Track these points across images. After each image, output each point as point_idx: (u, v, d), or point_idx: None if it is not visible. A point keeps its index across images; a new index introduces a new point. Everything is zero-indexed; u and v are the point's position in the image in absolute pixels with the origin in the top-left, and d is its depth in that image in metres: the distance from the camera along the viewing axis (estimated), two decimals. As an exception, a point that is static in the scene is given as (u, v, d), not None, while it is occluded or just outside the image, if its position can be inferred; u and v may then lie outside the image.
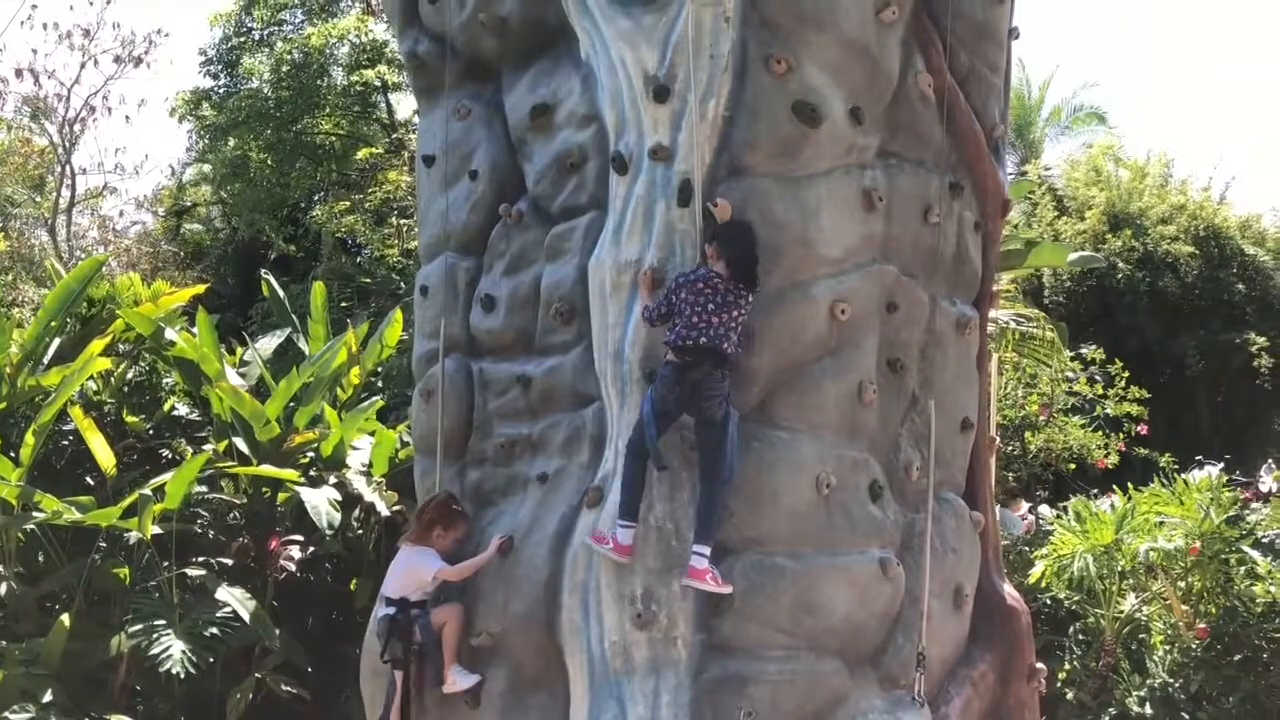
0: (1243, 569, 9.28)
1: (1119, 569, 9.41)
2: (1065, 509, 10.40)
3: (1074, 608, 9.85)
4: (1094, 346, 13.79)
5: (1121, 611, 9.54)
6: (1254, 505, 10.15)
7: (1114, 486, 10.54)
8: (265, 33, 19.11)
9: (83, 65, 20.15)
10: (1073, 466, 12.75)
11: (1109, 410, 12.79)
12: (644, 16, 5.32)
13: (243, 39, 19.40)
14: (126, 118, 20.33)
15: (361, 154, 17.90)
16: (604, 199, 5.54)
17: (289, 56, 18.26)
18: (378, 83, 18.25)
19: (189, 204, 23.47)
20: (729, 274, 5.00)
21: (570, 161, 5.70)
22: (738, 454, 4.98)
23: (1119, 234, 19.70)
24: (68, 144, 20.86)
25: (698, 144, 5.20)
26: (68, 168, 21.20)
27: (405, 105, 18.73)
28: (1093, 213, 20.29)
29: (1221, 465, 10.24)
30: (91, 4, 19.75)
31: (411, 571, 5.55)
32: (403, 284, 15.43)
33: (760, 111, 5.28)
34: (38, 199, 22.10)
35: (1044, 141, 25.82)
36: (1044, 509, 11.56)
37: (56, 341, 10.04)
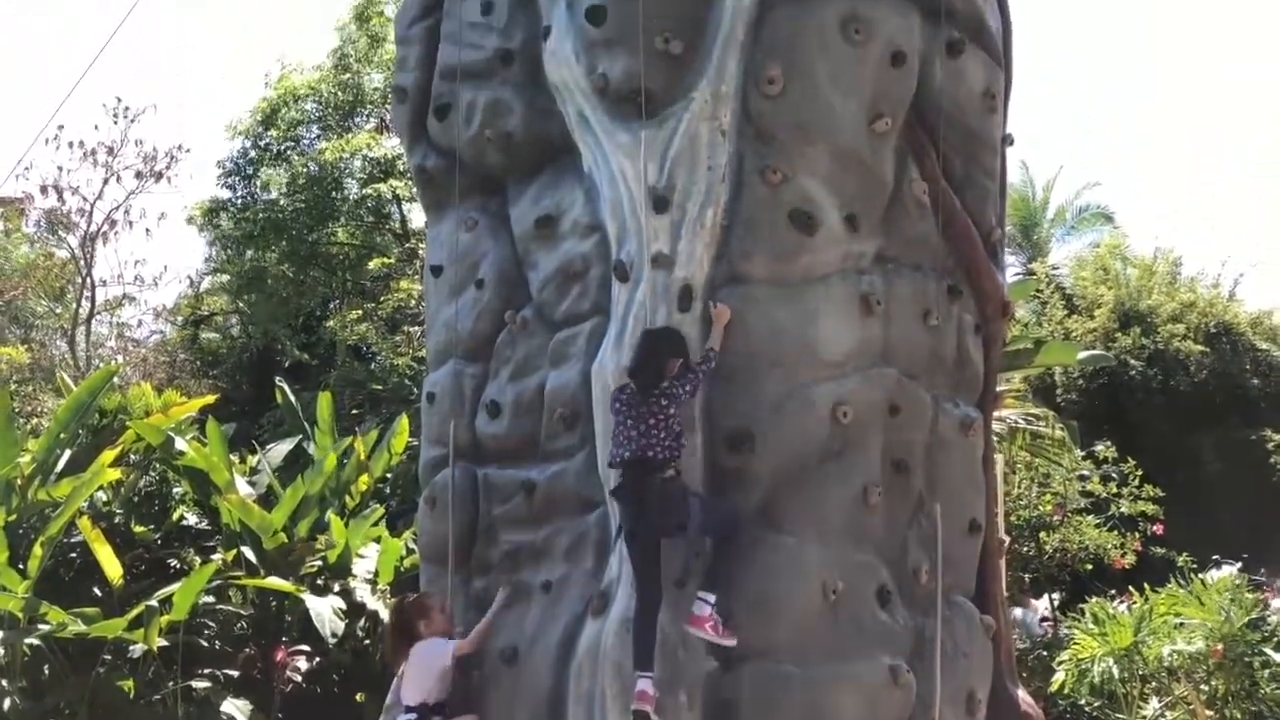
0: (1267, 672, 9.08)
1: (1140, 673, 9.22)
2: (1083, 611, 10.23)
3: (1095, 714, 9.62)
4: (1107, 444, 13.72)
5: (1144, 717, 9.31)
6: (1275, 605, 9.96)
7: (1130, 588, 10.39)
8: (282, 146, 19.61)
9: (105, 181, 20.64)
10: (1089, 567, 12.58)
11: (1124, 509, 12.66)
12: (643, 131, 5.47)
13: (260, 152, 19.90)
14: (147, 230, 20.63)
15: (374, 263, 18.22)
16: (606, 306, 5.62)
17: (305, 170, 18.72)
18: (390, 195, 18.66)
19: (206, 313, 23.82)
20: (635, 383, 5.08)
21: (573, 270, 5.80)
22: (741, 558, 4.96)
23: (1129, 332, 19.76)
24: (88, 257, 21.27)
25: (697, 252, 5.30)
26: (88, 279, 21.58)
27: (417, 216, 19.11)
28: (1102, 311, 20.39)
29: (1240, 564, 10.10)
30: (115, 123, 20.29)
31: (429, 665, 5.46)
32: (414, 390, 15.53)
33: (757, 220, 5.39)
34: (58, 310, 22.45)
35: (1050, 241, 26.09)
36: (1040, 604, 11.38)
37: (68, 453, 10.11)
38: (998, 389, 6.98)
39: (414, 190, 17.48)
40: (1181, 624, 9.32)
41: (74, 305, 21.83)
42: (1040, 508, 12.29)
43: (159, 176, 20.74)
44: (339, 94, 19.29)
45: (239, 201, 20.11)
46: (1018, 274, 22.39)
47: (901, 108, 5.66)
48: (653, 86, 5.45)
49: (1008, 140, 6.29)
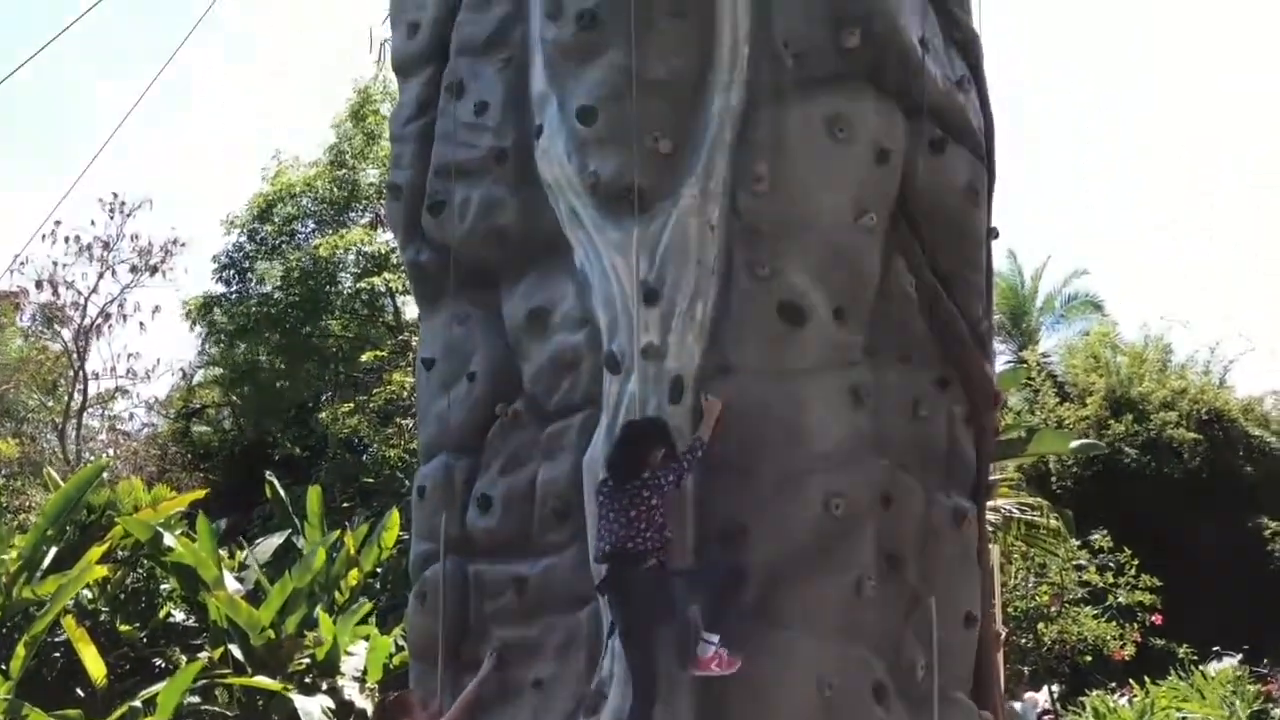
0: (1273, 767, 8.92)
1: (1144, 769, 9.06)
2: (1083, 704, 10.08)
3: (1100, 811, 9.42)
4: (1103, 533, 13.65)
5: (1150, 815, 9.12)
6: (1277, 697, 9.83)
7: (1131, 680, 10.25)
8: (277, 241, 19.82)
9: (100, 275, 20.81)
10: (1088, 658, 12.41)
11: (1121, 599, 12.55)
12: (634, 226, 5.55)
13: (256, 247, 20.10)
14: (141, 324, 20.72)
15: (366, 356, 18.29)
16: (598, 398, 5.64)
17: (299, 264, 18.91)
18: (384, 288, 18.81)
19: (198, 406, 23.79)
20: (614, 474, 5.09)
21: (565, 361, 5.84)
22: (734, 652, 4.92)
23: (1122, 419, 19.81)
24: (81, 350, 21.32)
25: (687, 344, 5.35)
26: (80, 373, 21.60)
27: (411, 307, 19.24)
28: (1094, 399, 20.46)
29: (1241, 656, 9.98)
30: (112, 218, 20.52)
31: None
32: (406, 482, 15.45)
33: (747, 313, 5.45)
34: (50, 403, 22.41)
35: (1040, 329, 26.28)
36: (1039, 697, 11.19)
37: (54, 550, 10.01)
38: (991, 478, 6.97)
39: (407, 283, 17.66)
40: (1184, 718, 9.17)
41: (66, 399, 21.81)
42: (1037, 598, 12.19)
43: (154, 270, 20.91)
44: (335, 189, 19.56)
45: (233, 296, 20.24)
46: (1009, 362, 22.50)
47: (887, 203, 5.76)
48: (643, 184, 5.55)
49: (992, 234, 6.39)
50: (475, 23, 6.48)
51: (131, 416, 23.74)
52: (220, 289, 20.43)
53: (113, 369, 21.65)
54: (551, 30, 5.90)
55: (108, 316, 21.08)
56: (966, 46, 6.29)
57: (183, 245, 20.99)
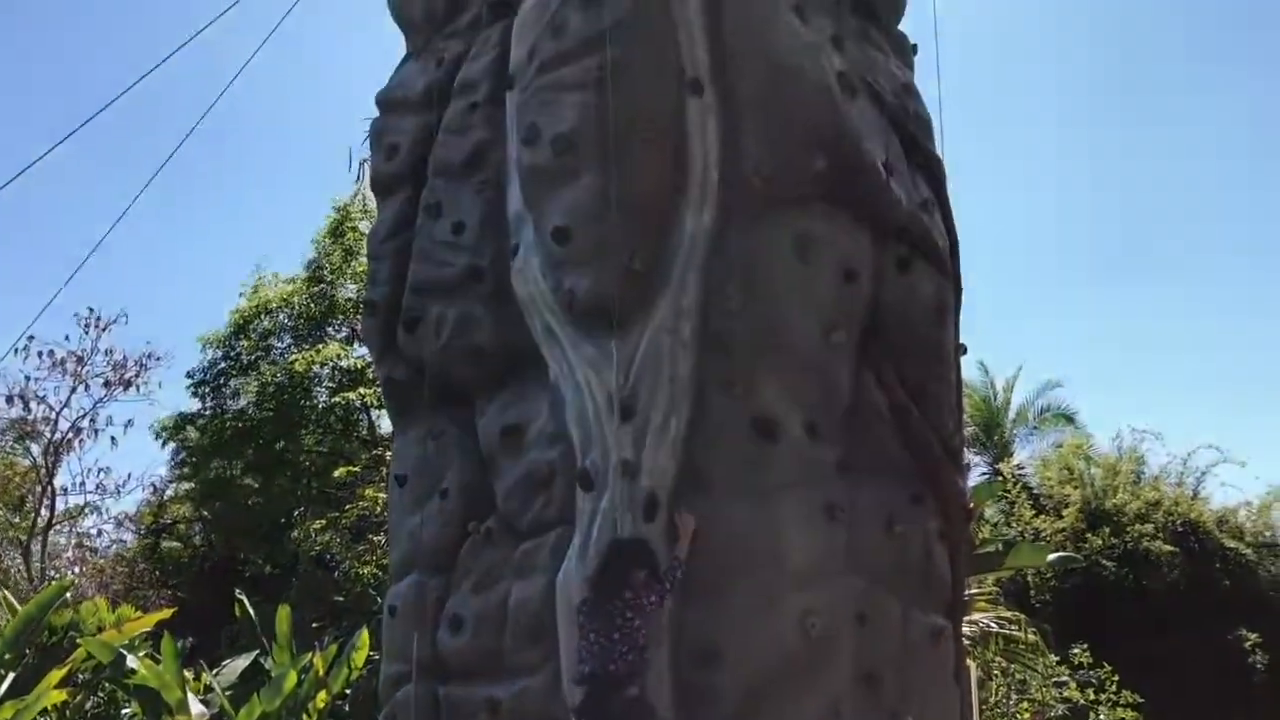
0: None
1: None
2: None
3: None
4: (1083, 648, 13.52)
5: None
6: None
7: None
8: (253, 357, 19.80)
9: (73, 390, 20.65)
10: (1075, 779, 12.19)
11: (1103, 717, 12.38)
12: (608, 342, 5.62)
13: (231, 363, 20.07)
14: (112, 439, 20.48)
15: (339, 471, 18.12)
16: (571, 516, 5.61)
17: (275, 380, 18.88)
18: (359, 403, 18.77)
19: (168, 522, 23.41)
20: (598, 594, 5.07)
21: (539, 478, 5.82)
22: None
23: (1099, 532, 19.78)
24: (51, 466, 21.04)
25: (661, 460, 5.35)
26: (49, 489, 21.27)
27: (386, 422, 19.16)
28: (1070, 510, 20.46)
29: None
30: (86, 333, 20.47)
31: None
32: (377, 600, 15.18)
33: (720, 429, 5.48)
34: (16, 520, 22.00)
35: (1014, 440, 26.40)
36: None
37: (12, 675, 9.72)
38: (969, 592, 6.95)
39: (382, 398, 17.63)
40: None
41: (33, 515, 21.43)
42: (1018, 716, 11.99)
43: (128, 385, 20.79)
44: (312, 305, 19.65)
45: (207, 413, 20.12)
46: (984, 473, 22.55)
47: (856, 321, 5.86)
48: (617, 301, 5.62)
49: (961, 350, 6.49)
50: (453, 146, 6.64)
51: (99, 533, 23.33)
52: (195, 406, 20.31)
53: (82, 484, 21.34)
54: (528, 155, 6.05)
55: (79, 431, 20.87)
56: (930, 170, 6.49)
57: (157, 359, 20.93)
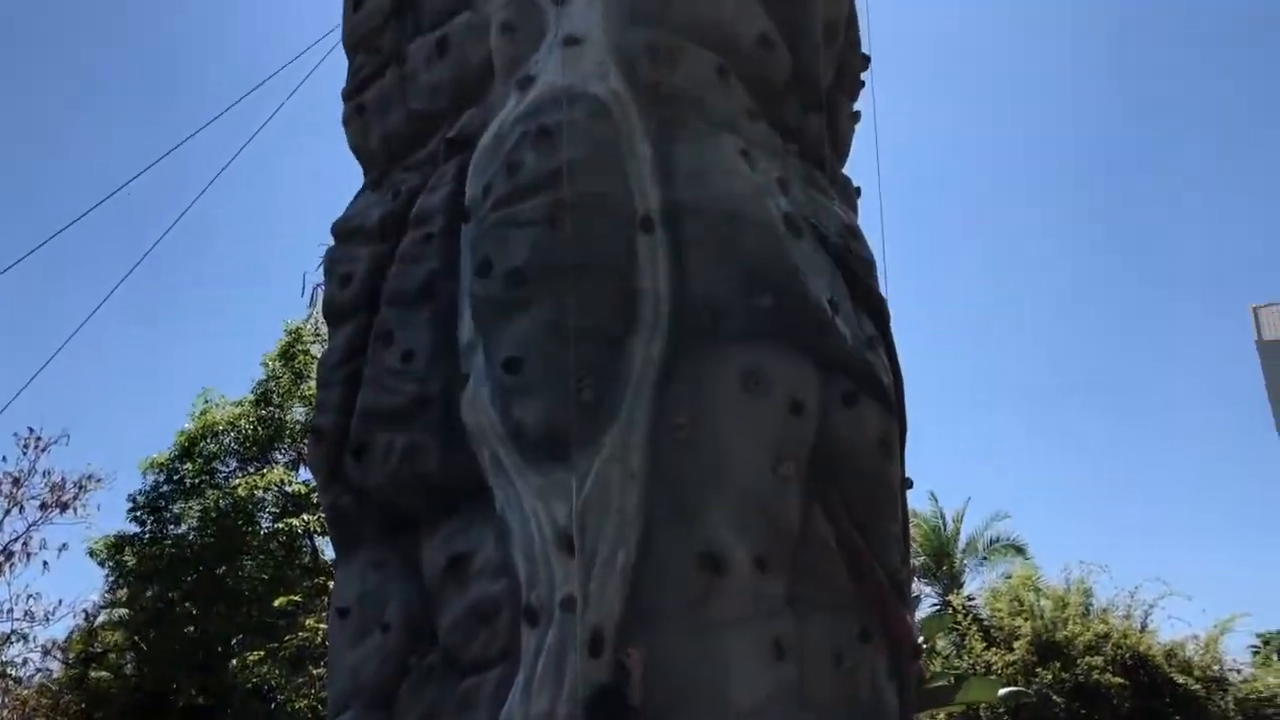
0: None
1: None
2: None
3: None
4: (1038, 786, 13.28)
5: None
6: None
7: None
8: (196, 480, 19.49)
9: (6, 512, 20.12)
10: None
11: None
12: (555, 473, 5.61)
13: (174, 486, 19.72)
14: (45, 563, 19.90)
15: (279, 600, 17.71)
16: (516, 650, 5.51)
17: (217, 504, 18.57)
18: (302, 529, 18.48)
19: (99, 650, 22.58)
20: None
21: (483, 612, 5.73)
22: None
23: (1049, 665, 19.66)
24: (-22, 591, 20.33)
25: (608, 595, 5.30)
26: (-26, 616, 20.52)
27: (330, 549, 18.82)
28: (1020, 643, 20.36)
29: None
30: (25, 454, 20.06)
31: None
32: (315, 735, 14.65)
33: (667, 562, 5.46)
34: (-64, 648, 21.12)
35: (964, 572, 26.43)
36: None
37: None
38: (918, 731, 6.86)
39: (327, 527, 17.34)
40: None
41: (-46, 644, 20.61)
42: None
43: (64, 507, 20.29)
44: (259, 428, 19.48)
45: (146, 536, 19.67)
46: (935, 604, 22.50)
47: (803, 454, 5.91)
48: (566, 432, 5.65)
49: (907, 484, 6.55)
50: (407, 276, 6.72)
51: (25, 662, 22.41)
52: (133, 529, 19.85)
53: (10, 611, 20.60)
54: (480, 286, 6.13)
55: (9, 555, 20.25)
56: (874, 309, 6.65)
57: (98, 481, 20.50)
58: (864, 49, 8.16)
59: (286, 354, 19.93)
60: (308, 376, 19.02)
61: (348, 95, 8.00)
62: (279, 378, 19.83)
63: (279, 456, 19.59)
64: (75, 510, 20.42)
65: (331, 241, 7.66)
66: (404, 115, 7.44)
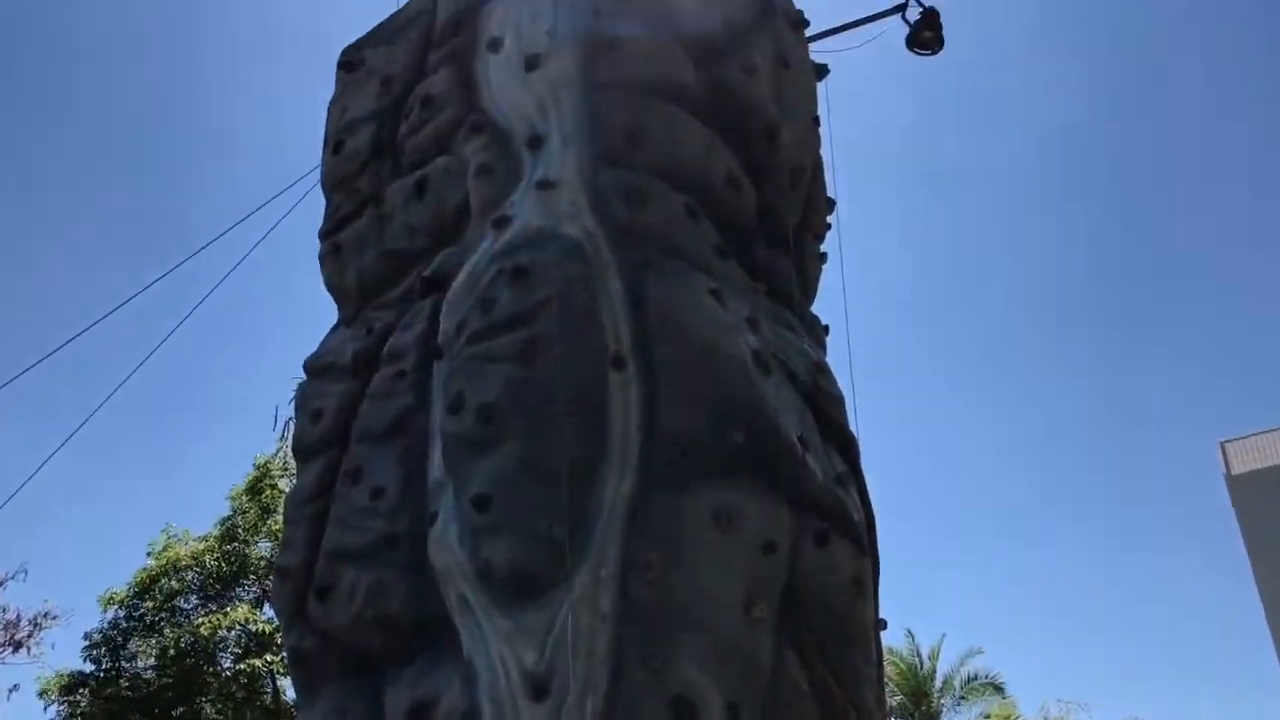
0: None
1: None
2: None
3: None
4: None
5: None
6: None
7: None
8: (156, 618, 18.99)
9: (-42, 652, 19.46)
10: None
11: None
12: (524, 616, 5.52)
13: (133, 623, 19.20)
14: (-8, 708, 19.17)
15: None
16: (481, 801, 5.33)
17: (178, 642, 18.06)
18: (265, 669, 17.97)
19: (42, 801, 21.60)
20: None
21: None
22: None
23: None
24: (-80, 736, 19.48)
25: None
26: (-85, 763, 19.60)
27: (292, 689, 18.28)
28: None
29: None
30: (-19, 592, 19.51)
31: None
32: None
33: (638, 707, 5.32)
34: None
35: (942, 711, 25.91)
36: None
37: None
38: None
39: (289, 669, 16.86)
40: None
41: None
42: None
43: (18, 646, 19.65)
44: (223, 564, 19.10)
45: (101, 676, 19.03)
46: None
47: (776, 595, 5.85)
48: (535, 570, 5.58)
49: (881, 625, 6.48)
50: (377, 412, 6.71)
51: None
52: (89, 668, 19.20)
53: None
54: (452, 422, 6.13)
55: (-43, 698, 19.49)
56: (844, 446, 6.69)
57: (54, 619, 19.91)
58: (830, 193, 8.41)
59: (254, 489, 19.68)
60: (275, 511, 18.75)
61: (324, 234, 8.12)
62: (245, 512, 19.53)
63: (243, 594, 19.15)
64: (29, 649, 19.79)
65: (303, 377, 7.67)
66: (380, 254, 7.56)
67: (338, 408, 7.01)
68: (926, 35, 9.17)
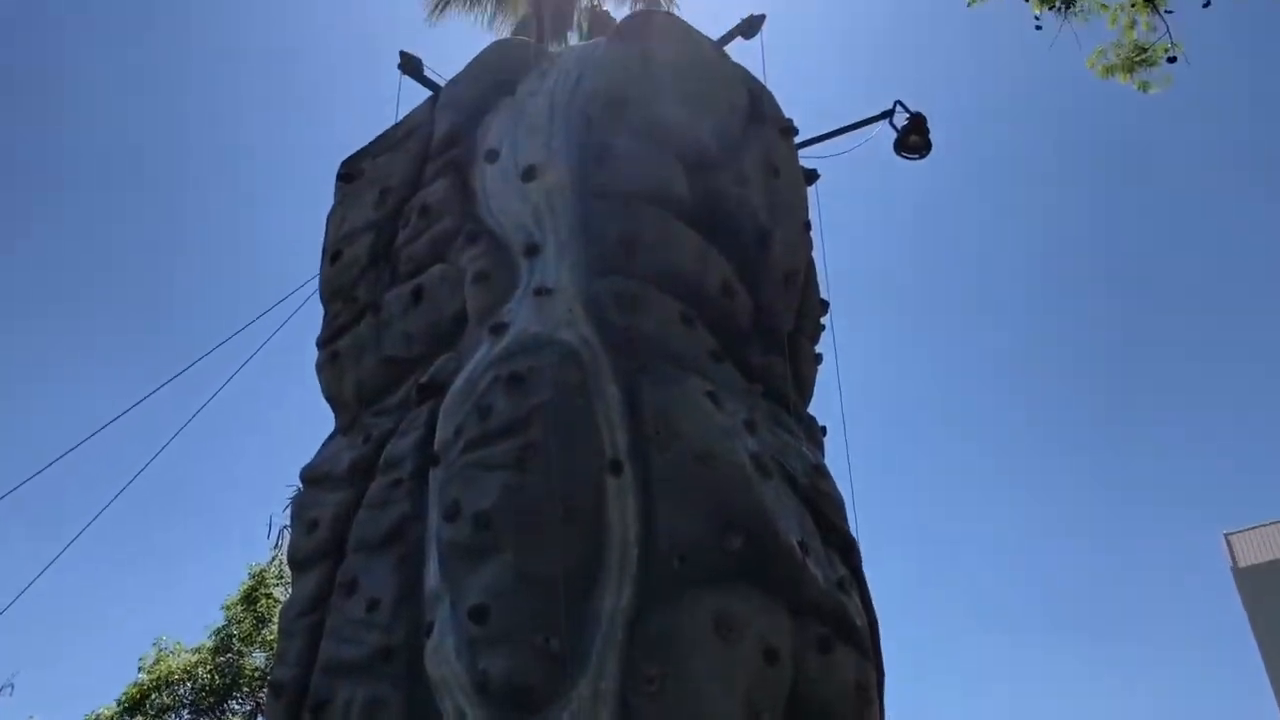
0: None
1: None
2: None
3: None
4: None
5: None
6: None
7: None
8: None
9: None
10: None
11: None
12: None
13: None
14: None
15: None
16: None
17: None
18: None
19: None
20: None
21: None
22: None
23: None
24: None
25: None
26: None
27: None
28: None
29: None
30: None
31: None
32: None
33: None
34: None
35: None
36: None
37: None
38: None
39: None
40: None
41: None
42: None
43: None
44: (216, 677, 18.69)
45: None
46: None
47: (779, 704, 5.73)
48: (534, 683, 5.47)
49: (887, 733, 6.34)
50: (374, 522, 6.66)
51: None
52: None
53: None
54: (448, 530, 6.08)
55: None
56: (845, 551, 6.63)
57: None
58: (823, 294, 8.49)
59: (249, 598, 19.40)
60: (270, 620, 18.44)
61: (322, 342, 8.17)
62: (240, 622, 19.20)
63: (237, 706, 18.71)
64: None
65: (299, 485, 7.63)
66: (377, 361, 7.60)
67: (333, 518, 6.97)
68: (914, 139, 9.37)
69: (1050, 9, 9.39)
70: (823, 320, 8.41)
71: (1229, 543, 28.01)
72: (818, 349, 8.28)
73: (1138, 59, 9.34)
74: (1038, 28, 9.38)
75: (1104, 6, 9.50)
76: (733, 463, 6.20)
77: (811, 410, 7.85)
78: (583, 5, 15.88)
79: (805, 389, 7.72)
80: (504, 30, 15.52)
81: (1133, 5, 9.40)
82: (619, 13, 15.40)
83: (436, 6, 15.33)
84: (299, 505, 7.40)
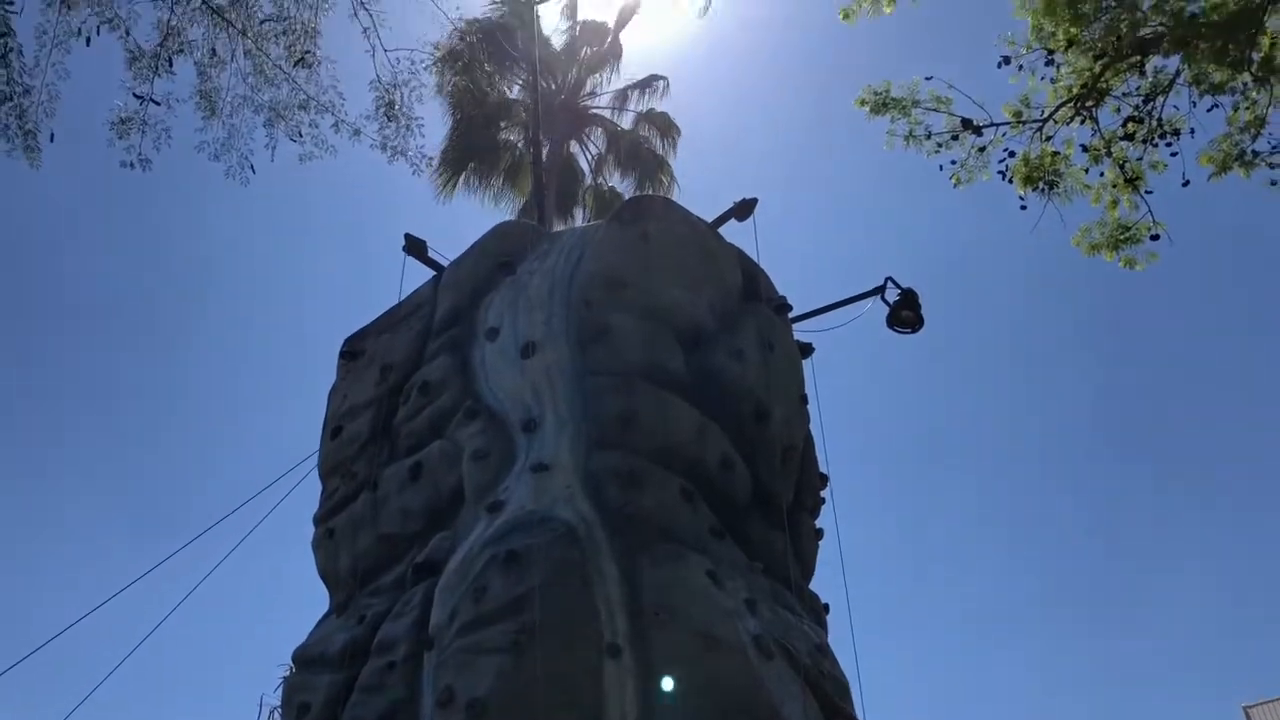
0: None
1: None
2: None
3: None
4: None
5: None
6: None
7: None
8: None
9: None
10: None
11: None
12: None
13: None
14: None
15: None
16: None
17: None
18: None
19: None
20: None
21: None
22: None
23: None
24: None
25: None
26: None
27: None
28: None
29: None
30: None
31: None
32: None
33: None
34: None
35: None
36: None
37: None
38: None
39: None
40: None
41: None
42: None
43: None
44: None
45: None
46: None
47: None
48: None
49: None
50: (367, 705, 6.47)
51: None
52: None
53: None
54: (441, 718, 5.91)
55: None
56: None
57: None
58: (822, 468, 8.50)
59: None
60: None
61: (319, 519, 8.13)
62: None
63: None
64: None
65: (290, 665, 7.47)
66: (374, 538, 7.54)
67: (325, 701, 6.78)
68: (905, 314, 9.51)
69: (1034, 190, 9.70)
70: (822, 494, 8.39)
71: (1248, 715, 27.19)
72: (818, 523, 8.23)
73: (1122, 237, 9.61)
74: (1023, 208, 9.67)
75: (1087, 187, 9.82)
76: (735, 645, 6.08)
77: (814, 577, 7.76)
78: (588, 185, 16.44)
79: (807, 564, 7.64)
80: (512, 207, 16.02)
81: (1114, 186, 9.72)
82: (625, 190, 15.95)
83: (447, 184, 15.86)
84: (290, 688, 7.22)
